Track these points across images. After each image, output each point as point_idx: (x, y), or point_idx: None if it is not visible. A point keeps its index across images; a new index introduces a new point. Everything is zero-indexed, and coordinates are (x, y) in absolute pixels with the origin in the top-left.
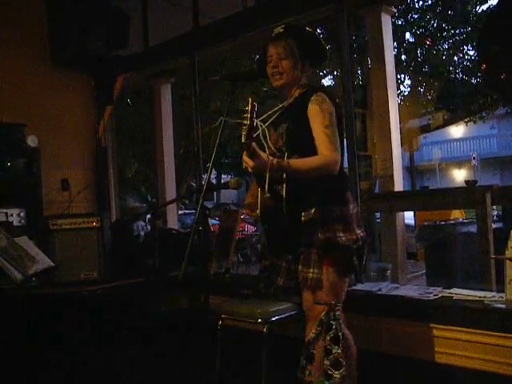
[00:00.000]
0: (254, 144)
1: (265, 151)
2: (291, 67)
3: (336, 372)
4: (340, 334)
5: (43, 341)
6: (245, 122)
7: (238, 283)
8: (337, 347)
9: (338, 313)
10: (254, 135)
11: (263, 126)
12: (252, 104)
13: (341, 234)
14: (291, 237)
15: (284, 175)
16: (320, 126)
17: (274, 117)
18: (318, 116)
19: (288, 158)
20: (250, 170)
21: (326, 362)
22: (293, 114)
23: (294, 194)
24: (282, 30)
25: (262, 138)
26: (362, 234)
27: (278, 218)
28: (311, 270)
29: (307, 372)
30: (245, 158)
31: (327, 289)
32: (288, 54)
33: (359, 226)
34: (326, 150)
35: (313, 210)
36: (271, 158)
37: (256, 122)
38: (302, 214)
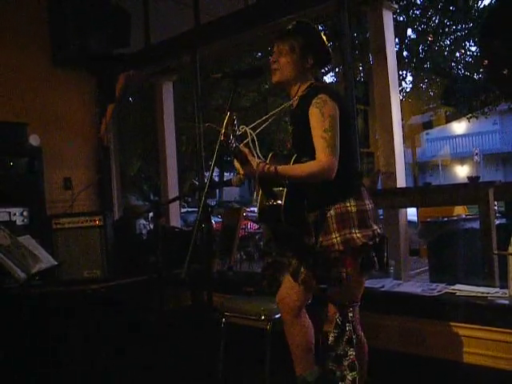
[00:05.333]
0: (246, 150)
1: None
2: (288, 64)
3: (350, 374)
4: (354, 336)
5: (46, 339)
6: (221, 138)
7: (241, 281)
8: (352, 349)
9: (351, 314)
10: (243, 143)
11: (253, 134)
12: (229, 117)
13: (356, 231)
14: (294, 238)
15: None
16: (319, 130)
17: (268, 123)
18: (317, 120)
19: (297, 160)
20: (241, 176)
21: (345, 363)
22: (297, 117)
23: (296, 198)
24: (290, 27)
25: (251, 145)
26: (379, 231)
27: (276, 220)
28: (333, 271)
29: (338, 373)
30: (235, 164)
31: (343, 288)
32: (288, 51)
33: (376, 223)
34: (323, 155)
35: (326, 208)
36: (260, 164)
37: (245, 129)
38: (317, 212)
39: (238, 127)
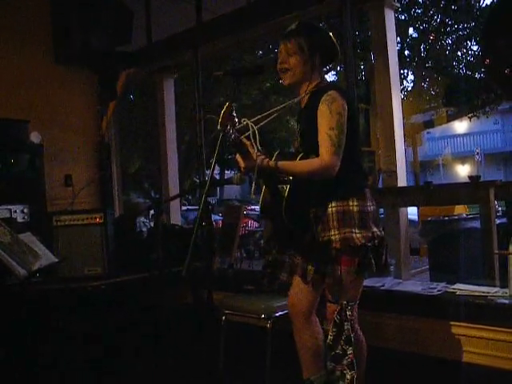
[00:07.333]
0: (248, 142)
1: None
2: (299, 64)
3: (349, 373)
4: (352, 335)
5: (46, 336)
6: (218, 127)
7: (241, 279)
8: (350, 348)
9: (349, 313)
10: (244, 135)
11: (254, 128)
12: (227, 107)
13: (357, 231)
14: (295, 233)
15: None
16: (325, 127)
17: (271, 118)
18: (325, 117)
19: (303, 158)
20: (242, 169)
21: (344, 362)
22: (306, 115)
23: (299, 195)
24: (293, 27)
25: (251, 139)
26: (378, 233)
27: (278, 215)
28: (328, 267)
29: (337, 373)
30: (237, 157)
31: (341, 287)
32: (296, 51)
33: (376, 225)
34: (326, 153)
35: (329, 205)
36: (260, 157)
37: (247, 121)
38: (318, 207)
39: (239, 119)
